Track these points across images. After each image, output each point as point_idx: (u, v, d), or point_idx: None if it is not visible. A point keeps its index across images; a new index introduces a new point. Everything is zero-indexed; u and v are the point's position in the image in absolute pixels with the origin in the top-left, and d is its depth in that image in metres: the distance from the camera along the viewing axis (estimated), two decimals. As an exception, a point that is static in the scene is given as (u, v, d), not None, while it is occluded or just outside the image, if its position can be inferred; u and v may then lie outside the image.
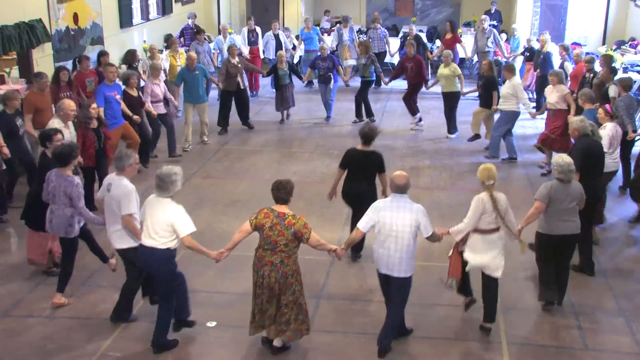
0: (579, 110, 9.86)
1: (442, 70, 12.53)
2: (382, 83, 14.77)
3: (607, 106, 9.05)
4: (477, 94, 12.31)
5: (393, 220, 5.84)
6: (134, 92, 10.65)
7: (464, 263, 6.35)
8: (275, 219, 5.74)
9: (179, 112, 12.99)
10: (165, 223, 5.86)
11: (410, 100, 13.36)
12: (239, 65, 12.98)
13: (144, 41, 15.45)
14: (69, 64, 12.02)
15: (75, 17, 12.72)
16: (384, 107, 15.07)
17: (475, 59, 16.83)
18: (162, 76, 12.09)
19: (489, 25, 15.93)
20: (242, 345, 6.25)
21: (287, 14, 20.50)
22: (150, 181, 6.65)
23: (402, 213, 5.85)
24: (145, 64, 12.92)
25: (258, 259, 5.84)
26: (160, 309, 6.11)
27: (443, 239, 6.31)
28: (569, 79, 12.27)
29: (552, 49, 14.31)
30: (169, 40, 14.64)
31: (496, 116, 11.60)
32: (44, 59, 11.53)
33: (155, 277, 6.16)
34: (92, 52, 13.38)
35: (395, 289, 6.04)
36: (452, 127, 12.75)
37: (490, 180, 6.18)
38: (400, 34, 19.06)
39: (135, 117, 10.51)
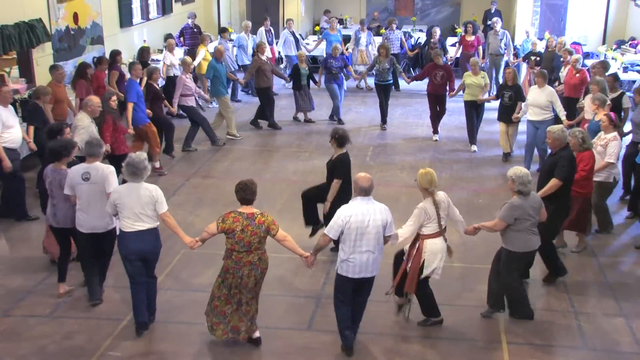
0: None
1: (473, 78, 11.67)
2: (405, 81, 14.20)
3: (612, 114, 8.82)
4: (496, 104, 11.53)
5: (364, 223, 5.81)
6: (156, 85, 11.14)
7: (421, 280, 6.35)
8: (245, 221, 5.83)
9: (211, 103, 13.60)
10: (150, 203, 6.12)
11: (436, 117, 12.60)
12: (269, 63, 13.09)
13: (144, 41, 15.46)
14: (68, 64, 12.04)
15: (75, 17, 12.72)
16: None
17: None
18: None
19: (501, 28, 15.66)
20: (241, 345, 6.24)
21: (287, 14, 20.47)
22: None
23: (372, 215, 5.84)
24: (169, 57, 13.34)
25: (235, 262, 5.87)
26: (151, 285, 6.42)
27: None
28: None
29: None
30: (201, 36, 15.01)
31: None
32: (44, 59, 11.53)
33: (150, 257, 6.32)
34: (92, 52, 13.41)
35: (367, 288, 6.11)
36: (475, 138, 12.08)
37: (432, 187, 6.20)
38: (401, 33, 19.04)
39: (148, 111, 10.77)
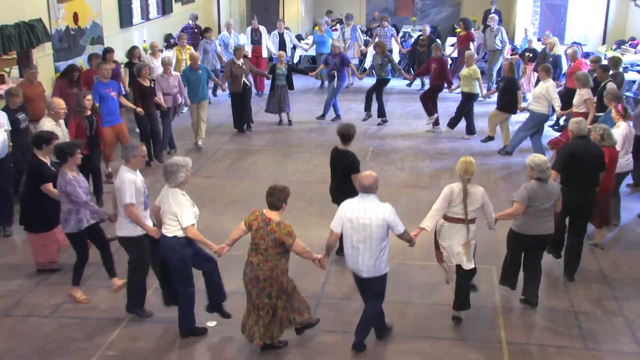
0: (602, 109, 9.75)
1: (464, 70, 12.57)
2: (407, 79, 15.01)
3: (620, 106, 8.90)
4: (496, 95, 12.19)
5: (361, 220, 5.85)
6: (146, 83, 10.93)
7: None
8: (261, 223, 5.83)
9: (186, 107, 13.16)
10: (170, 212, 6.01)
11: (428, 100, 13.14)
12: (244, 66, 12.85)
13: (144, 41, 15.46)
14: (67, 64, 12.03)
15: (75, 17, 12.72)
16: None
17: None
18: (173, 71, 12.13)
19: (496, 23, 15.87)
20: (242, 345, 6.25)
21: (287, 14, 20.50)
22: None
23: (370, 213, 5.85)
24: (148, 60, 13.06)
25: (247, 257, 5.97)
26: (179, 297, 6.26)
27: (418, 239, 6.42)
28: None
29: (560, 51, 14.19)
30: (179, 37, 14.68)
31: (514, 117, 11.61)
32: (44, 59, 11.53)
33: (168, 264, 6.20)
34: (92, 52, 13.38)
35: (368, 288, 6.10)
36: (470, 128, 12.75)
37: (466, 175, 6.30)
38: (401, 33, 19.09)
39: (139, 109, 10.71)
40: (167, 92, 11.44)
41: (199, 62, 12.15)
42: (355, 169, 7.43)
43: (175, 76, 11.63)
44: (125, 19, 14.92)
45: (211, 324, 6.57)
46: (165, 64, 11.61)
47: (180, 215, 5.97)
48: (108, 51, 11.92)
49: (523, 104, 11.57)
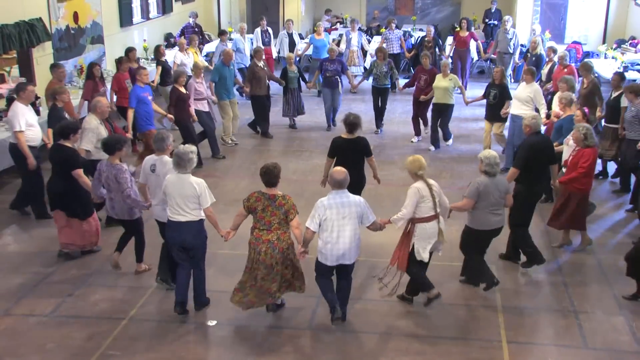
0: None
1: (441, 81, 11.64)
2: (397, 89, 14.19)
3: (586, 109, 9.04)
4: (482, 102, 11.53)
5: (340, 215, 6.10)
6: (182, 89, 10.84)
7: (412, 258, 6.57)
8: (267, 202, 6.17)
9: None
10: (193, 196, 6.30)
11: (419, 118, 12.48)
12: (265, 68, 12.71)
13: (144, 40, 15.46)
14: (69, 63, 12.04)
15: (75, 16, 12.73)
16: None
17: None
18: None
19: (512, 27, 15.56)
20: (242, 344, 6.26)
21: (287, 13, 20.49)
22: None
23: (347, 207, 6.13)
24: (179, 57, 13.13)
25: (255, 238, 6.24)
26: (196, 275, 6.62)
27: (385, 228, 6.61)
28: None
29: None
30: (190, 38, 14.25)
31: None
32: (44, 58, 11.54)
33: (193, 247, 6.46)
34: (92, 51, 13.41)
35: (346, 273, 6.44)
36: (437, 140, 12.11)
37: (421, 170, 6.48)
38: (401, 32, 19.04)
39: (170, 116, 10.76)
40: (202, 96, 11.32)
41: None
42: (371, 152, 7.88)
43: (205, 79, 11.68)
44: (126, 18, 14.93)
45: (211, 323, 6.58)
46: (198, 67, 11.61)
47: (206, 195, 6.33)
48: (130, 50, 11.98)
49: (508, 109, 10.87)
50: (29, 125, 8.58)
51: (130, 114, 10.19)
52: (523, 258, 7.69)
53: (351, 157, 7.80)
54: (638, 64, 14.37)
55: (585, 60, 13.18)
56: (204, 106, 11.40)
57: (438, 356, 6.15)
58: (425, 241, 6.51)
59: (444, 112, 11.86)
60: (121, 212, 7.22)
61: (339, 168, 6.31)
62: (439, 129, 12.10)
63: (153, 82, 12.40)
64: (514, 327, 6.59)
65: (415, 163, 6.51)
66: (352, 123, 7.89)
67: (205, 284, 6.75)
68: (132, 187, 7.04)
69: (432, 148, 12.10)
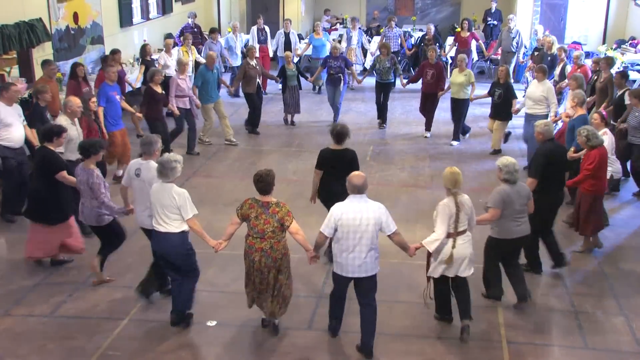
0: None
1: (457, 76, 11.84)
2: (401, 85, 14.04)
3: (603, 111, 8.94)
4: (488, 101, 11.65)
5: (357, 221, 5.78)
6: (158, 89, 10.73)
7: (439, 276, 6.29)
8: (260, 209, 6.02)
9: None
10: (173, 207, 6.13)
11: (431, 112, 12.65)
12: (257, 67, 12.75)
13: (144, 40, 15.46)
14: (68, 64, 12.03)
15: (75, 17, 12.73)
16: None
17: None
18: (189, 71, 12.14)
19: (514, 26, 15.56)
20: (242, 345, 6.26)
21: (287, 13, 20.49)
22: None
23: (365, 213, 5.79)
24: (164, 58, 13.15)
25: (249, 246, 6.08)
26: (185, 284, 6.40)
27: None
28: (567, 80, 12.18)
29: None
30: (184, 37, 14.39)
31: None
32: (44, 58, 11.51)
33: (173, 260, 6.30)
34: (92, 52, 13.41)
35: (367, 289, 6.04)
36: (457, 134, 12.31)
37: (455, 188, 6.08)
38: (400, 32, 19.03)
39: (138, 114, 10.67)
40: (184, 94, 11.31)
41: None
42: (358, 166, 7.47)
43: (189, 77, 11.60)
44: (125, 19, 14.92)
45: (211, 323, 6.58)
46: (183, 64, 11.52)
47: (186, 207, 6.14)
48: (115, 52, 11.95)
49: (517, 106, 11.07)
50: (6, 124, 8.49)
51: (101, 112, 9.77)
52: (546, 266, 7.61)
53: (339, 168, 7.42)
54: (638, 65, 14.36)
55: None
56: (184, 104, 11.43)
57: (438, 356, 6.15)
58: (437, 259, 6.21)
59: (459, 106, 12.01)
60: (89, 217, 7.03)
61: (357, 172, 6.02)
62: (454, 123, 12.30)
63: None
64: (513, 327, 6.59)
65: (449, 177, 6.11)
66: (339, 133, 7.57)
67: (191, 299, 6.52)
68: (106, 193, 6.89)
69: (455, 143, 12.22)
